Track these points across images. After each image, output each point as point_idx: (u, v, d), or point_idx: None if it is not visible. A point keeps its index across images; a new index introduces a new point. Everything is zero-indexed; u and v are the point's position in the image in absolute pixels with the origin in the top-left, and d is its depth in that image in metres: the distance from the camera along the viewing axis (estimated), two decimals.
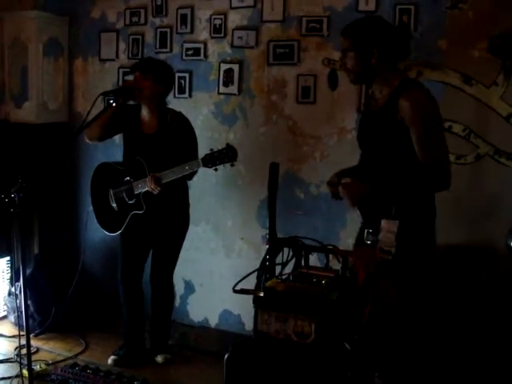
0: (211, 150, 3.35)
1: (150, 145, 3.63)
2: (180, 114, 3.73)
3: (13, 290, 4.39)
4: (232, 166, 3.37)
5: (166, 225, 3.76)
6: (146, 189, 3.53)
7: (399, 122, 2.52)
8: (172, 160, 3.52)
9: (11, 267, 4.59)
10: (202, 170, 4.15)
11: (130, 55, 4.53)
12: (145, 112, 3.70)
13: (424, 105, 2.53)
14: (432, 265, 2.69)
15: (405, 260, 2.51)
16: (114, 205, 3.75)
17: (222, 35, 4.19)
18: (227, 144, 3.36)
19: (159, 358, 3.91)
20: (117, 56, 4.62)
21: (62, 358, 3.92)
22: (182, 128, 3.68)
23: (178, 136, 3.64)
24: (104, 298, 4.59)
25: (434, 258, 2.71)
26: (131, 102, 3.65)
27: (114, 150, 3.87)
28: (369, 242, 2.50)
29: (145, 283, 3.93)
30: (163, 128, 3.64)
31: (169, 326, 4.03)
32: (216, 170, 3.38)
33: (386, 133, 2.59)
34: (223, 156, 3.32)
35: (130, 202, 3.68)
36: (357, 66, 2.63)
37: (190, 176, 3.64)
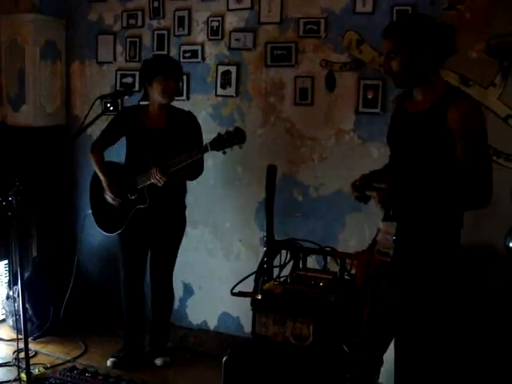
0: (219, 133, 3.39)
1: (157, 139, 3.65)
2: (190, 112, 3.80)
3: (11, 293, 4.38)
4: (240, 148, 3.39)
5: (164, 226, 3.76)
6: (150, 181, 3.54)
7: (446, 131, 2.40)
8: (179, 154, 3.53)
9: (9, 270, 4.58)
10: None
11: (128, 58, 4.53)
12: (153, 109, 3.72)
13: (475, 120, 2.42)
14: (459, 271, 2.63)
15: (433, 267, 2.47)
16: (116, 202, 3.74)
17: (220, 37, 4.18)
18: (235, 127, 3.40)
19: (158, 361, 3.90)
20: (114, 59, 4.62)
21: (60, 361, 3.91)
22: (191, 125, 3.74)
23: (187, 132, 3.68)
24: (102, 301, 4.58)
25: (460, 265, 2.65)
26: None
27: (112, 152, 3.86)
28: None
29: (144, 286, 3.93)
30: (172, 123, 3.68)
31: (168, 328, 4.03)
32: (225, 152, 3.39)
33: (430, 138, 2.45)
34: (232, 138, 3.35)
35: (131, 198, 3.68)
36: (403, 68, 2.46)
37: (198, 167, 3.67)
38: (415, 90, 2.56)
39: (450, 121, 2.39)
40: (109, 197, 3.74)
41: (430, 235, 2.45)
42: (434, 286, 2.49)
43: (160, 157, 3.56)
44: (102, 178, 3.76)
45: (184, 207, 3.88)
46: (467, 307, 3.49)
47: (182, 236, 3.89)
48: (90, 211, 3.93)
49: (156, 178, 3.50)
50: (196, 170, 3.73)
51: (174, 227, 3.84)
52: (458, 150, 2.41)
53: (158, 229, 3.76)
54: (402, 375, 2.58)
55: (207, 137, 4.16)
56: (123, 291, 3.90)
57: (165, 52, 4.36)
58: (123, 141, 3.86)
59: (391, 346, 2.63)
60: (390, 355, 2.69)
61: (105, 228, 3.85)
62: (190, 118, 3.77)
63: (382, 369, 2.73)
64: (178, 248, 3.88)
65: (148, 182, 3.57)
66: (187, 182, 3.88)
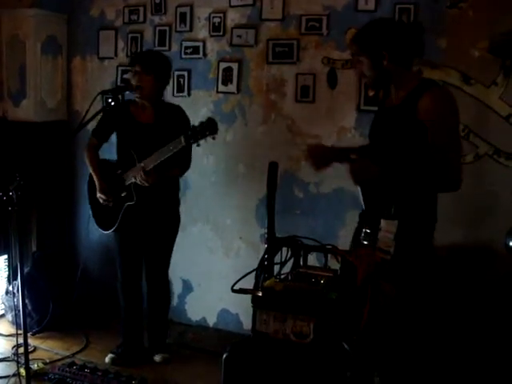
0: (192, 125, 3.34)
1: (145, 134, 3.61)
2: (178, 106, 3.75)
3: (10, 288, 4.38)
4: (213, 139, 3.32)
5: (158, 222, 3.74)
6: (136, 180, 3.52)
7: (418, 122, 2.49)
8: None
9: (9, 265, 4.58)
10: (200, 169, 4.17)
11: (129, 53, 4.51)
12: (142, 105, 3.68)
13: (444, 107, 2.53)
14: (430, 266, 2.68)
15: (403, 261, 2.50)
16: (110, 203, 3.72)
17: (221, 33, 4.18)
18: (208, 117, 3.33)
19: (157, 358, 3.90)
20: (115, 54, 4.61)
21: (59, 356, 3.91)
22: (179, 119, 3.68)
23: (175, 126, 3.61)
24: (102, 297, 4.58)
25: (431, 260, 2.70)
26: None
27: (113, 148, 3.86)
28: (365, 243, 2.48)
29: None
30: (160, 118, 3.64)
31: (166, 324, 4.02)
32: (198, 145, 3.33)
33: (401, 130, 2.57)
34: (204, 129, 3.27)
35: (122, 195, 3.66)
36: (370, 71, 2.61)
37: (184, 163, 3.64)
38: (391, 88, 2.68)
39: (420, 111, 2.49)
40: (100, 197, 3.71)
41: (404, 227, 2.47)
42: (408, 276, 2.56)
43: (146, 152, 3.51)
44: (95, 179, 3.75)
45: (177, 203, 3.85)
46: (466, 307, 3.50)
47: (177, 232, 3.86)
48: (91, 212, 3.91)
49: (140, 180, 3.48)
50: (182, 166, 3.69)
51: (168, 223, 3.81)
52: (429, 137, 2.50)
53: (152, 225, 3.74)
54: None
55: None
56: (120, 289, 3.89)
57: (166, 48, 4.35)
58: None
59: None
60: None
61: (101, 225, 3.83)
62: (178, 113, 3.71)
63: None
64: (172, 244, 3.86)
65: (133, 180, 3.55)
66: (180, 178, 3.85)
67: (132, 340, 3.92)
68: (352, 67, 2.72)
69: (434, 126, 2.48)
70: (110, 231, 3.77)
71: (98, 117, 3.54)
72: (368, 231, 2.49)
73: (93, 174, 3.77)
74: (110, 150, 3.88)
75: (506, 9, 3.35)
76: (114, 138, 3.83)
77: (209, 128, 3.27)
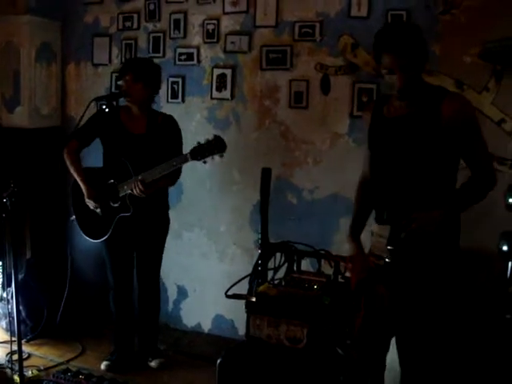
0: (198, 142, 3.31)
1: (137, 145, 3.59)
2: (171, 116, 3.74)
3: (4, 295, 4.36)
4: (221, 156, 3.31)
5: (148, 227, 3.72)
6: (132, 192, 3.48)
7: (442, 128, 2.42)
8: (159, 160, 3.47)
9: (3, 272, 4.57)
10: (195, 175, 4.18)
11: (123, 60, 4.52)
12: (133, 113, 3.67)
13: (472, 111, 2.52)
14: (457, 278, 2.67)
15: (434, 272, 2.49)
16: (98, 210, 3.68)
17: (215, 40, 4.19)
18: (214, 135, 3.31)
19: (153, 363, 3.89)
20: (110, 61, 4.62)
21: (53, 363, 3.89)
22: (171, 130, 3.68)
23: (167, 137, 3.63)
24: (97, 304, 4.57)
25: (459, 271, 2.68)
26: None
27: (95, 154, 3.85)
28: (387, 260, 2.39)
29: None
30: (153, 129, 3.63)
31: (157, 330, 4.01)
32: (205, 162, 3.32)
33: (425, 137, 2.46)
34: (212, 147, 3.27)
35: (114, 206, 3.63)
36: (407, 84, 2.42)
37: (176, 174, 3.62)
38: (392, 96, 2.56)
39: (446, 117, 2.41)
40: (89, 203, 3.68)
41: (433, 239, 2.46)
42: (437, 290, 2.51)
43: (139, 163, 3.50)
44: (80, 183, 3.68)
45: (167, 208, 3.85)
46: (461, 309, 3.50)
47: (166, 236, 3.86)
48: (74, 217, 3.86)
49: (137, 192, 3.45)
50: (173, 178, 3.67)
51: (158, 228, 3.80)
52: (462, 143, 2.45)
53: (143, 232, 3.73)
54: (407, 377, 2.61)
55: (201, 140, 4.19)
56: (113, 297, 3.88)
57: (160, 55, 4.36)
58: (97, 143, 3.77)
59: (393, 350, 2.65)
60: (389, 358, 2.71)
61: (90, 234, 3.77)
62: (170, 124, 3.70)
63: (386, 373, 2.75)
64: (163, 248, 3.86)
65: (129, 192, 3.52)
66: (173, 188, 3.84)
67: (124, 346, 3.91)
68: (379, 76, 2.53)
69: (468, 128, 2.45)
70: (99, 241, 3.73)
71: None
72: (391, 248, 2.42)
73: (78, 179, 3.70)
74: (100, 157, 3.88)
75: (497, 15, 3.38)
76: (97, 143, 3.79)
77: (217, 146, 3.27)
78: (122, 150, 3.60)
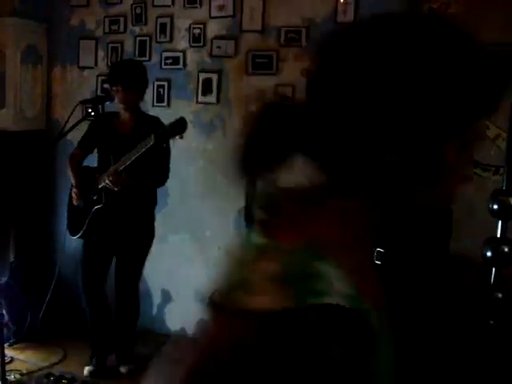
0: (163, 125, 3.42)
1: (122, 144, 3.60)
2: (157, 118, 3.75)
3: None
4: (181, 138, 3.38)
5: (130, 235, 3.70)
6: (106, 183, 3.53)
7: None
8: (143, 160, 3.48)
9: None
10: (179, 179, 4.17)
11: (109, 63, 4.51)
12: (123, 116, 3.70)
13: None
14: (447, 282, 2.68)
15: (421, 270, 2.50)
16: (81, 204, 3.72)
17: (201, 44, 4.20)
18: (180, 117, 3.38)
19: (123, 369, 3.84)
20: (95, 64, 4.61)
21: (36, 367, 3.87)
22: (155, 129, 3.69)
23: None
24: (81, 307, 4.54)
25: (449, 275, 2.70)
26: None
27: (93, 158, 3.85)
28: (378, 263, 2.38)
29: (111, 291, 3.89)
30: (138, 129, 3.64)
31: (134, 337, 3.94)
32: (167, 145, 3.45)
33: None
34: (173, 129, 3.34)
35: (94, 198, 3.65)
36: None
37: (157, 175, 3.66)
38: None
39: None
40: (74, 192, 3.74)
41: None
42: (426, 293, 2.54)
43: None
44: (72, 180, 3.77)
45: (153, 218, 3.83)
46: (445, 315, 3.53)
47: (150, 247, 3.82)
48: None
49: (110, 181, 3.47)
50: (156, 178, 3.68)
51: (142, 238, 3.77)
52: None
53: (124, 237, 3.70)
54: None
55: (186, 144, 4.20)
56: (83, 298, 3.81)
57: (146, 58, 4.36)
58: None
59: None
60: None
61: (70, 229, 3.80)
62: (155, 124, 3.69)
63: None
64: (144, 258, 3.82)
65: (105, 183, 3.54)
66: (158, 191, 3.83)
67: (101, 350, 3.86)
68: None
69: None
70: (76, 236, 3.73)
71: (79, 127, 3.54)
72: (382, 251, 2.41)
73: (72, 177, 3.78)
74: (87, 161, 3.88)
75: (487, 20, 3.40)
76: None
77: (176, 126, 3.33)
78: (110, 149, 3.64)
